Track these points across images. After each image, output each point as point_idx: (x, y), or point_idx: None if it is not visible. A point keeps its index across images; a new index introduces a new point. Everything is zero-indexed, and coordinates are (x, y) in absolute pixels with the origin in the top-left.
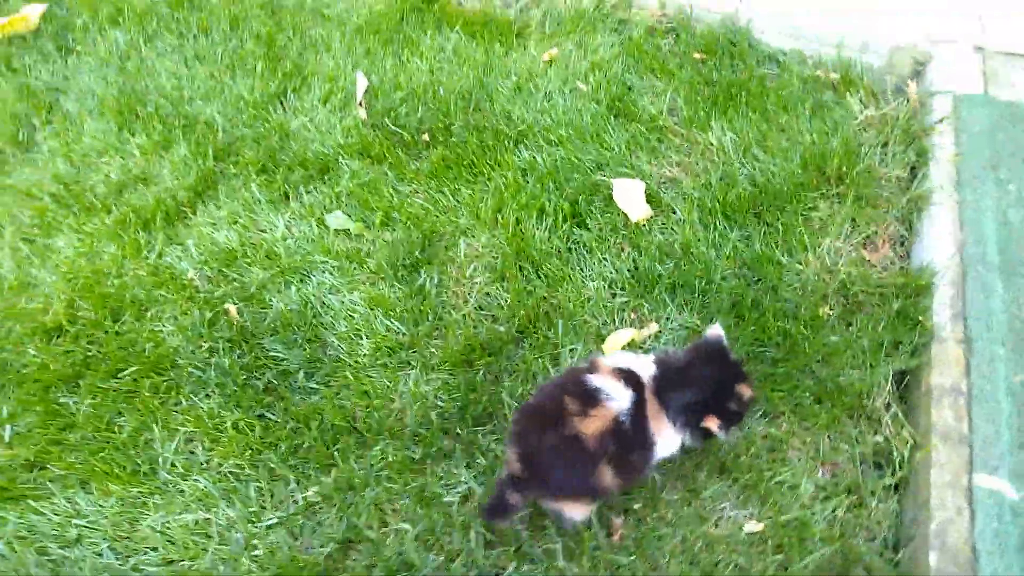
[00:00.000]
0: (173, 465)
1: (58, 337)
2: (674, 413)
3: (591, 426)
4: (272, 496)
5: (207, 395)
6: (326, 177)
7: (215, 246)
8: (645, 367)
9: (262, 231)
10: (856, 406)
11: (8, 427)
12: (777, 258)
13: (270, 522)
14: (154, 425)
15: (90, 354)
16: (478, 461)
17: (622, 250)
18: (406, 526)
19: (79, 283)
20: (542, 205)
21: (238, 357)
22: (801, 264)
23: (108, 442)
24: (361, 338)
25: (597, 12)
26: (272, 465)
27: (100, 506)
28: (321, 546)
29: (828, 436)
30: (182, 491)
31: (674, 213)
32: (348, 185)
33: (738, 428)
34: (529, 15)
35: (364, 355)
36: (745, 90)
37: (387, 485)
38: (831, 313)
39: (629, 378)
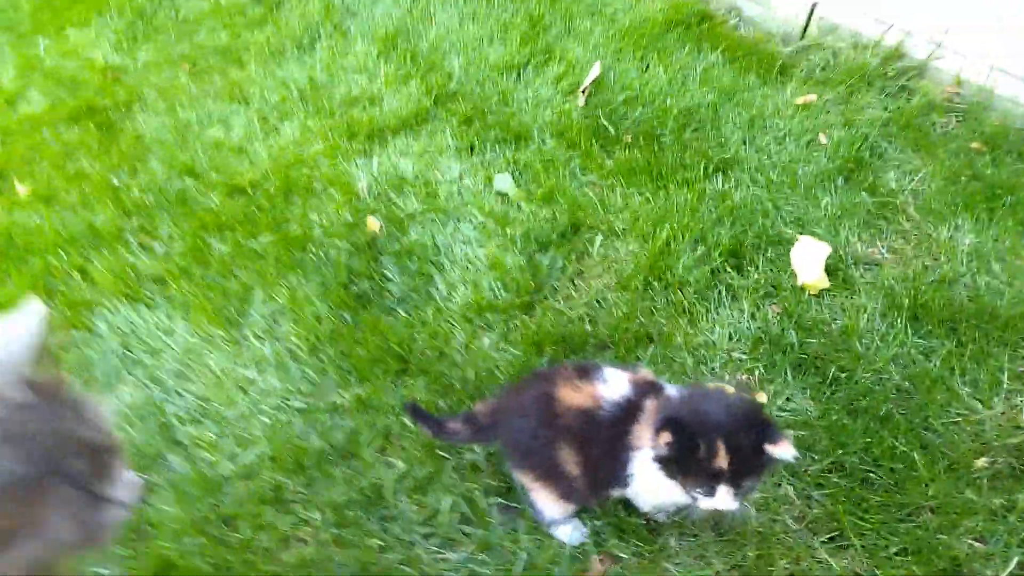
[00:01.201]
0: (254, 326)
1: (238, 195)
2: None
3: (569, 395)
4: (311, 385)
5: (311, 280)
6: (517, 144)
7: (393, 169)
8: (669, 388)
9: (437, 171)
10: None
11: (162, 245)
12: (953, 385)
13: (296, 404)
14: (258, 289)
15: (248, 215)
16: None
17: (770, 310)
18: (399, 463)
19: (279, 162)
20: (703, 232)
21: (354, 261)
22: (981, 404)
23: (221, 287)
24: (464, 288)
25: (879, 71)
26: (324, 358)
27: (187, 335)
28: (317, 444)
29: None
30: (250, 348)
31: (853, 295)
32: (531, 157)
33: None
34: (802, 57)
35: (457, 304)
36: (1013, 194)
37: (403, 420)
38: (986, 468)
39: (641, 382)
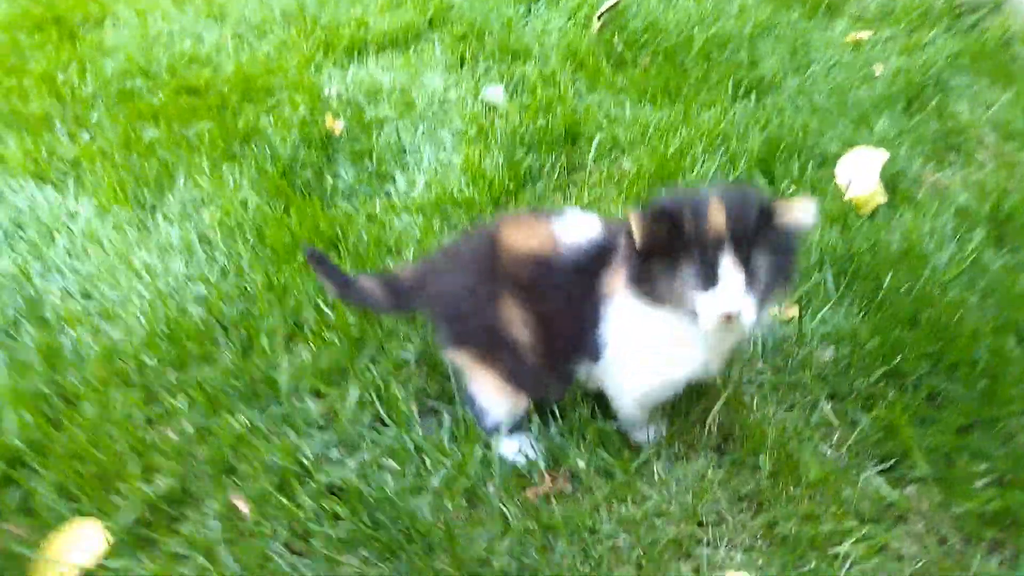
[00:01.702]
0: (169, 211)
1: (189, 95)
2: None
3: (517, 238)
4: (221, 274)
5: (247, 170)
6: (515, 61)
7: (369, 79)
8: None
9: (420, 83)
10: None
11: (89, 132)
12: None
13: (198, 291)
14: (183, 175)
15: (192, 108)
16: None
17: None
18: (305, 353)
19: (243, 72)
20: (726, 139)
21: (302, 153)
22: None
23: (141, 171)
24: (425, 189)
25: (945, 9)
26: (241, 245)
27: (91, 217)
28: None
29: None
30: (158, 233)
31: (915, 214)
32: (529, 72)
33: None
34: None
35: (414, 200)
36: None
37: (322, 308)
38: None
39: (618, 225)
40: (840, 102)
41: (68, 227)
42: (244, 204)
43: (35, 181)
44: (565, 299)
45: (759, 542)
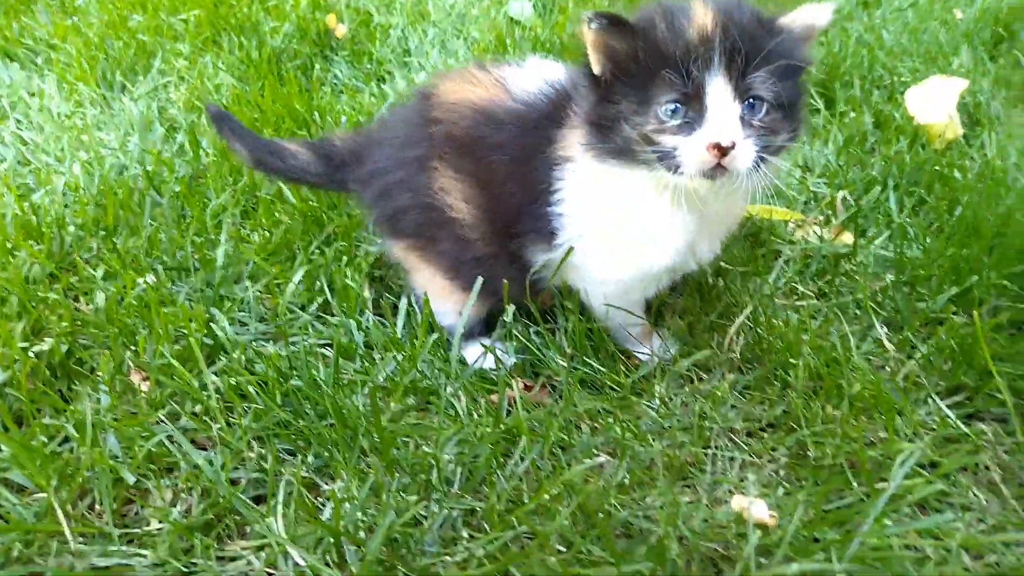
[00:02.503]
0: (136, 92)
1: None
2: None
3: (456, 89)
4: (179, 153)
5: (229, 57)
6: None
7: None
8: None
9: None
10: None
11: (73, 17)
12: None
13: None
14: (159, 60)
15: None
16: None
17: (863, 142)
18: (255, 236)
19: None
20: None
21: (295, 46)
22: None
23: (116, 53)
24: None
25: None
26: (208, 121)
27: (55, 94)
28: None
29: None
30: (121, 113)
31: (991, 138)
32: None
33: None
34: None
35: (408, 91)
36: None
37: (281, 189)
38: None
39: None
40: (914, 40)
41: (26, 103)
42: (217, 88)
43: (2, 58)
44: (509, 161)
45: (782, 471)
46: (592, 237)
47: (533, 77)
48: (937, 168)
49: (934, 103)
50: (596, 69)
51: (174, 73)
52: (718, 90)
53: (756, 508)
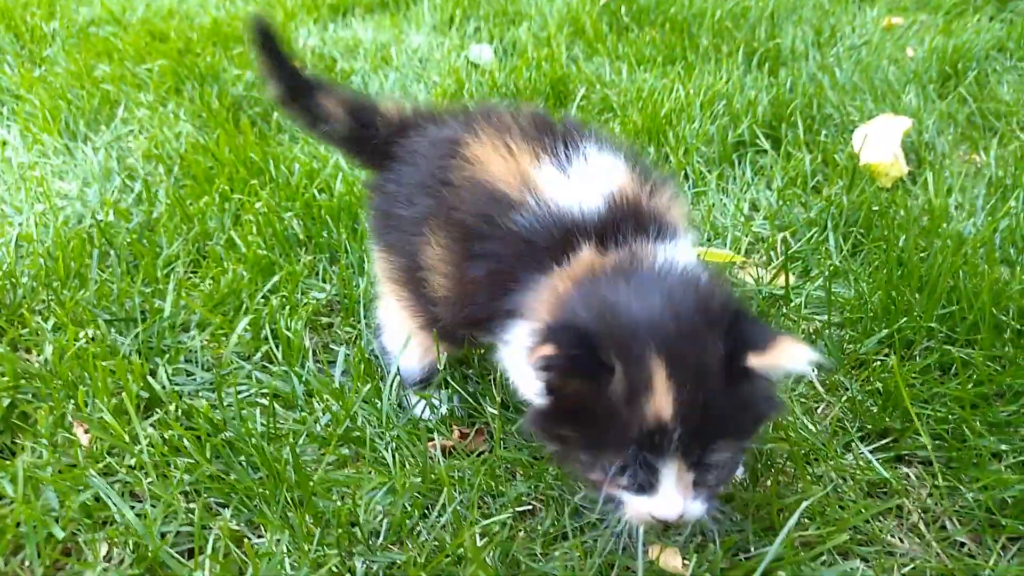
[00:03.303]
0: (98, 142)
1: (154, 39)
2: None
3: (483, 156)
4: (136, 201)
5: (191, 105)
6: (509, 25)
7: (351, 36)
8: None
9: (402, 41)
10: None
11: (40, 67)
12: None
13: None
14: (123, 108)
15: (150, 49)
16: None
17: (806, 183)
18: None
19: (218, 23)
20: (730, 99)
21: (255, 94)
22: None
23: (81, 103)
24: None
25: None
26: (166, 171)
27: (18, 144)
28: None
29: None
30: (83, 163)
31: (938, 184)
32: (523, 36)
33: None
34: None
35: None
36: None
37: (232, 236)
38: None
39: (629, 196)
40: (865, 78)
41: None
42: (177, 136)
43: None
44: (494, 273)
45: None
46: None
47: (579, 174)
48: (876, 208)
49: (880, 142)
50: (545, 380)
51: (135, 122)
52: (670, 469)
53: (669, 556)
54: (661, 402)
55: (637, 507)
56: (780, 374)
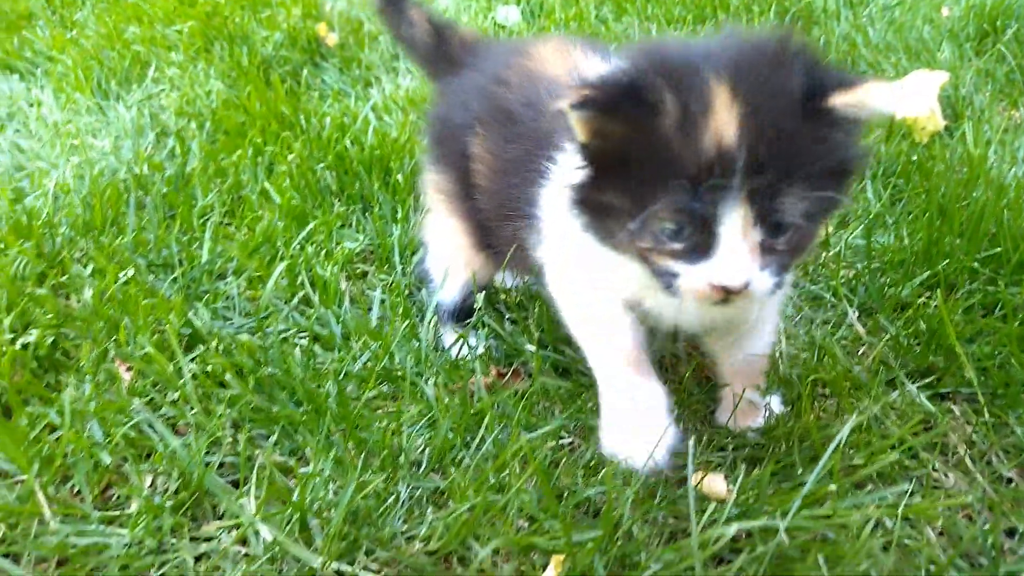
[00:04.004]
0: (130, 100)
1: (183, 3)
2: None
3: (544, 56)
4: (170, 156)
5: (220, 65)
6: None
7: None
8: None
9: (430, 3)
10: None
11: (71, 30)
12: None
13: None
14: (153, 68)
15: (179, 11)
16: None
17: None
18: (239, 235)
19: None
20: None
21: (285, 53)
22: None
23: (112, 63)
24: (409, 90)
25: None
26: (198, 127)
27: (51, 103)
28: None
29: None
30: (115, 120)
31: (972, 129)
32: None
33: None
34: None
35: (392, 96)
36: None
37: (265, 188)
38: None
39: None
40: (899, 37)
41: (24, 112)
42: (208, 93)
43: (2, 71)
44: (526, 149)
45: (747, 450)
46: (563, 263)
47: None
48: (915, 159)
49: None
50: (580, 137)
51: (166, 81)
52: (734, 218)
53: (713, 481)
54: (722, 123)
55: (694, 278)
56: (865, 115)
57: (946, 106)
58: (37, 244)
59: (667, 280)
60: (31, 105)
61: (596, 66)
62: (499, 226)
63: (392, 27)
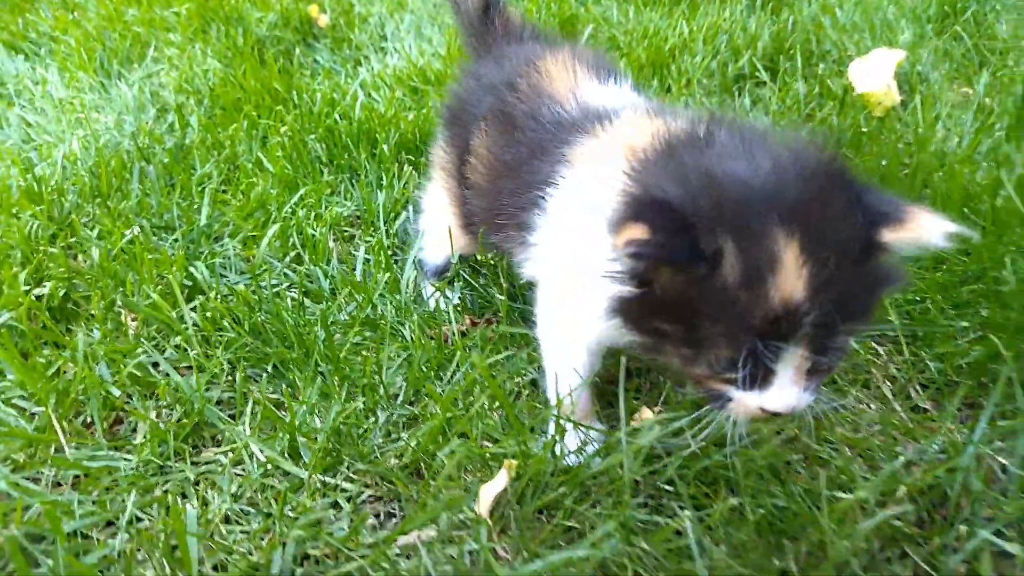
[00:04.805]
0: (131, 78)
1: None
2: None
3: (550, 70)
4: (169, 129)
5: (217, 44)
6: None
7: None
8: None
9: None
10: None
11: (72, 12)
12: None
13: (141, 142)
14: (153, 49)
15: None
16: None
17: (800, 109)
18: (233, 202)
19: None
20: (732, 34)
21: (278, 33)
22: None
23: (113, 44)
24: (397, 67)
25: None
26: (196, 103)
27: (56, 82)
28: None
29: None
30: (117, 97)
31: (922, 103)
32: None
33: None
34: None
35: (381, 73)
36: None
37: (259, 157)
38: None
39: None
40: (865, 17)
41: (31, 90)
42: (205, 72)
43: (8, 51)
44: (524, 157)
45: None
46: (549, 265)
47: (603, 90)
48: (865, 130)
49: (874, 73)
50: (634, 267)
51: (166, 61)
52: (792, 358)
53: (644, 412)
54: (791, 282)
55: (747, 403)
56: (915, 249)
57: (903, 82)
58: (48, 208)
59: (718, 399)
60: (36, 83)
61: (594, 90)
62: (487, 227)
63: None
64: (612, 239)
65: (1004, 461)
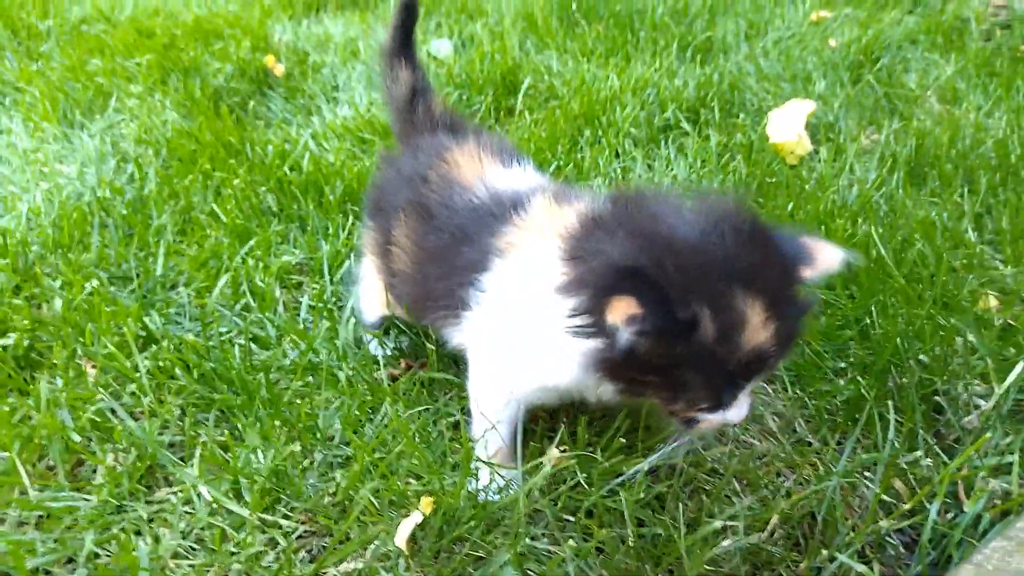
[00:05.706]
0: (94, 129)
1: (140, 35)
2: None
3: (458, 161)
4: (129, 180)
5: (175, 96)
6: (468, 19)
7: (322, 31)
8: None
9: (370, 37)
10: None
11: (36, 63)
12: (951, 226)
13: (103, 195)
14: (115, 99)
15: (138, 44)
16: None
17: (717, 159)
18: (190, 251)
19: (200, 19)
20: (659, 87)
21: (235, 84)
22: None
23: (76, 94)
24: (348, 118)
25: None
26: (155, 154)
27: (20, 132)
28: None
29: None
30: (79, 148)
31: (838, 161)
32: (480, 31)
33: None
34: None
35: (331, 124)
36: None
37: (212, 209)
38: (999, 311)
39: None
40: (787, 67)
41: None
42: (163, 123)
43: None
44: (447, 243)
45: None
46: (497, 342)
47: (512, 177)
48: (770, 180)
49: (787, 123)
50: (621, 340)
51: (127, 111)
52: (751, 385)
53: (551, 451)
54: (759, 334)
55: (714, 421)
56: (823, 278)
57: (816, 132)
58: (12, 261)
59: (687, 422)
60: (1, 133)
61: (501, 175)
62: (415, 311)
63: (383, 76)
64: (602, 313)
65: (867, 488)
